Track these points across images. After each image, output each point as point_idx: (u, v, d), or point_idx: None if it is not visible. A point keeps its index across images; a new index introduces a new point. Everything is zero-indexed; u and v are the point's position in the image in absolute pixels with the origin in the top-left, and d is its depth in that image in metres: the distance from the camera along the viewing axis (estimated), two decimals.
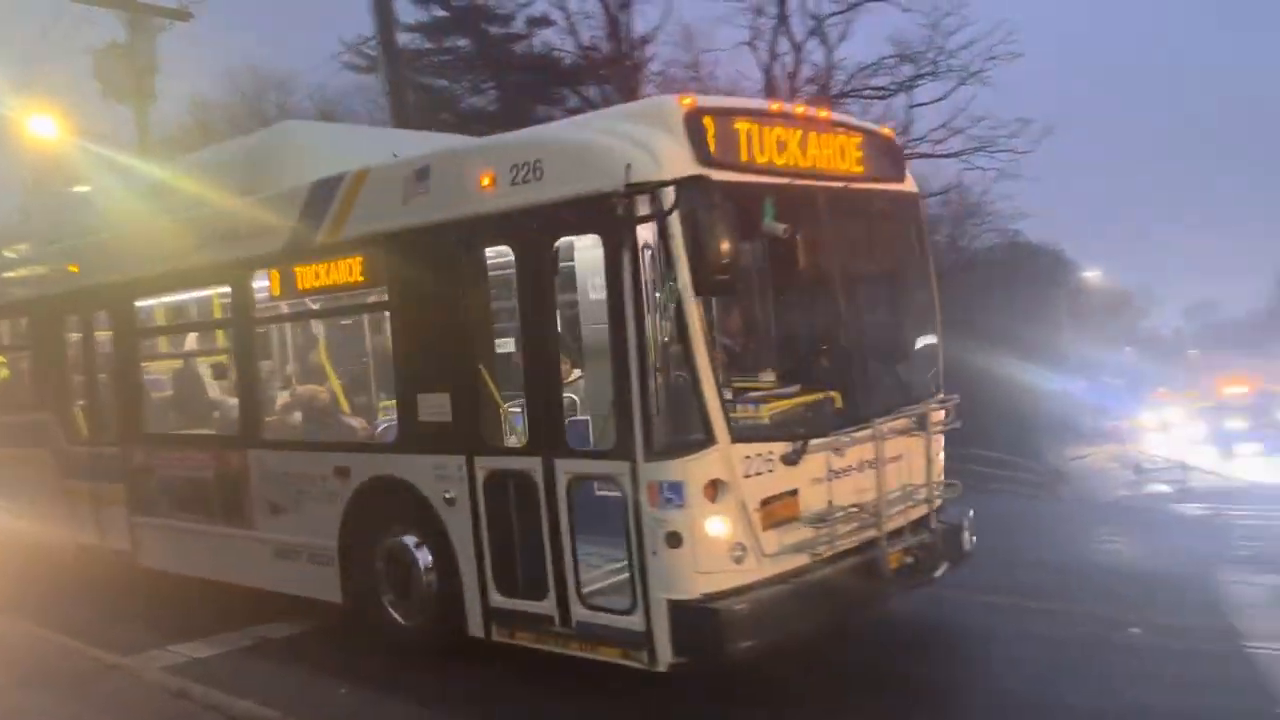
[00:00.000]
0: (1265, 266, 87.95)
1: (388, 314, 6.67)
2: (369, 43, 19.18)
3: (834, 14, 24.04)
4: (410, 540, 6.40)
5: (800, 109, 6.18)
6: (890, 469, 5.76)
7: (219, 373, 8.70)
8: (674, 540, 5.10)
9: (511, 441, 5.92)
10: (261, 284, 7.35)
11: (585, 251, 6.25)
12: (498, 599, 5.91)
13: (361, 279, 6.67)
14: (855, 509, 5.59)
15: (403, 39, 19.93)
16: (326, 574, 6.83)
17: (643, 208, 5.08)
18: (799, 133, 5.78)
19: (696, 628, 5.13)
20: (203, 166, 8.56)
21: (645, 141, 5.22)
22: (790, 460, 5.34)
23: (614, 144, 5.32)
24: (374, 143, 7.89)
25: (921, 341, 6.83)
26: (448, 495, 6.07)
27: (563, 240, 5.71)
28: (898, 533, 5.84)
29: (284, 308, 7.66)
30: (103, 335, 8.97)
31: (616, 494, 5.33)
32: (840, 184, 6.00)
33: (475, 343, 5.95)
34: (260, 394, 7.67)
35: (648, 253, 5.11)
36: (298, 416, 7.76)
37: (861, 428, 5.61)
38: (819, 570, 5.43)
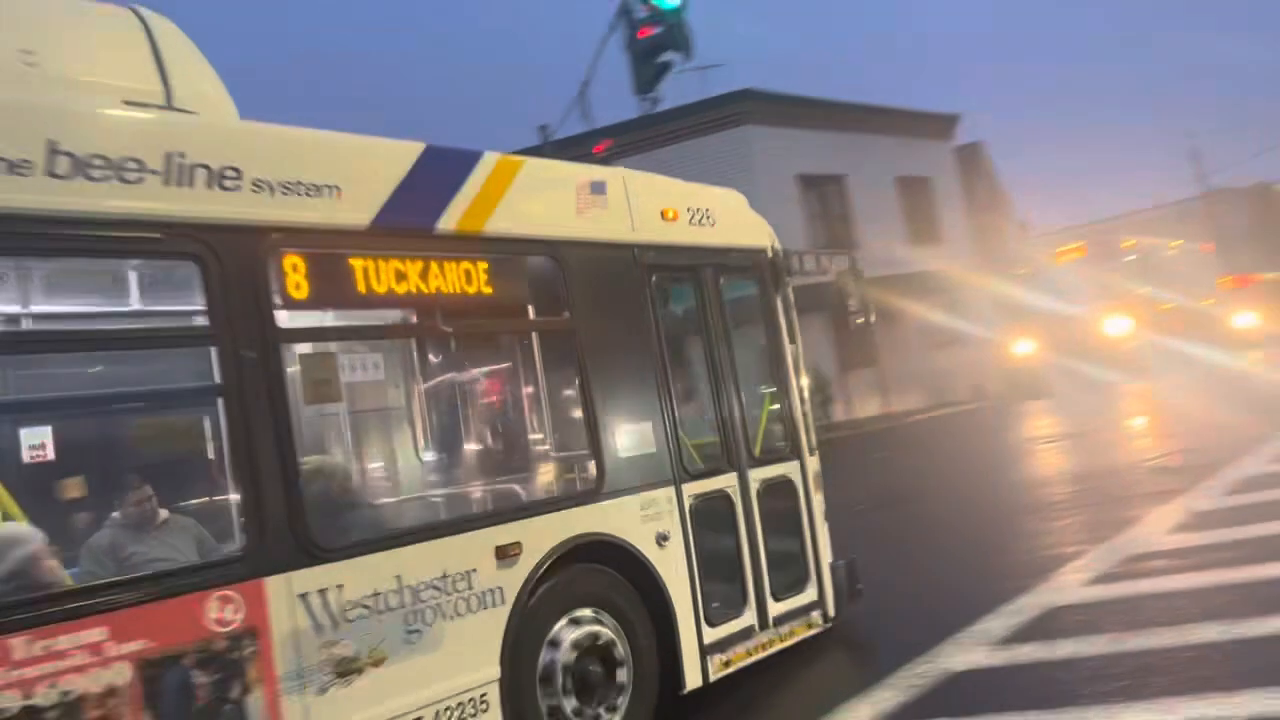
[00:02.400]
0: None
1: (573, 333, 5.21)
2: None
3: None
4: (593, 616, 4.97)
5: None
6: None
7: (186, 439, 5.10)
8: (826, 515, 6.45)
9: (702, 465, 5.78)
10: (293, 276, 4.20)
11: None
12: (708, 633, 5.44)
13: (516, 287, 5.24)
14: None
15: None
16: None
17: (777, 265, 6.61)
18: None
19: (843, 581, 6.36)
20: None
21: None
22: None
23: (756, 215, 6.73)
24: None
25: None
26: (662, 535, 5.33)
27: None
28: None
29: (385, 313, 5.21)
30: None
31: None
32: None
33: (663, 366, 5.63)
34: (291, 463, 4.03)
35: (781, 298, 6.57)
36: (423, 484, 5.74)
37: None
38: None
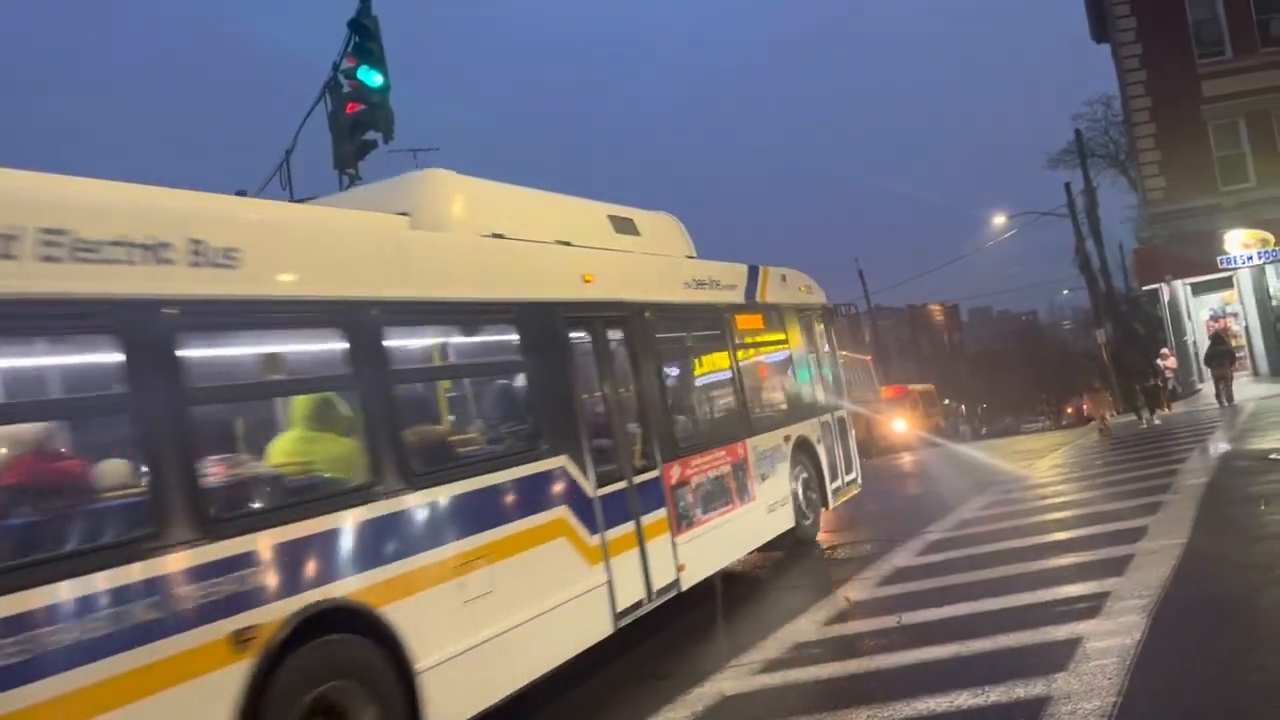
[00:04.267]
0: None
1: (790, 347, 12.07)
2: None
3: None
4: (804, 469, 11.52)
5: None
6: None
7: (728, 383, 10.51)
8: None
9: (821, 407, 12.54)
10: (733, 322, 10.63)
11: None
12: (830, 485, 12.18)
13: (773, 327, 11.76)
14: None
15: None
16: (785, 512, 10.81)
17: (830, 312, 14.12)
18: None
19: (859, 474, 13.69)
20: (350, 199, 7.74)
21: None
22: None
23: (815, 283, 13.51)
24: (534, 203, 8.24)
25: None
26: (818, 438, 12.14)
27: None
28: None
29: (746, 339, 11.07)
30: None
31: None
32: None
33: (810, 362, 12.61)
34: (752, 397, 10.90)
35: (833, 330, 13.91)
36: (765, 408, 11.37)
37: None
38: None
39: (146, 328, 4.40)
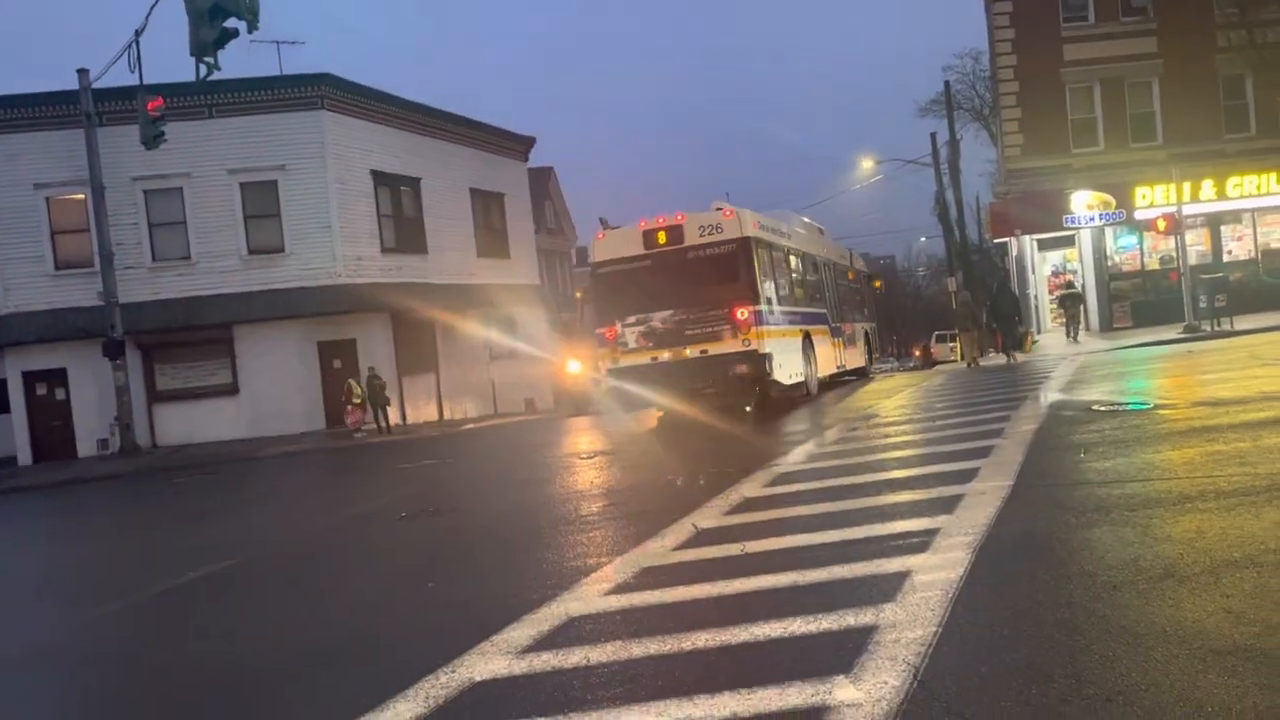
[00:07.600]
0: None
1: (858, 285, 31.38)
2: None
3: None
4: (867, 344, 31.03)
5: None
6: None
7: (848, 301, 28.56)
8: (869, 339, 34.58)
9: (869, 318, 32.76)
10: (846, 270, 29.74)
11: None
12: (872, 355, 32.19)
13: (857, 279, 31.25)
14: None
15: None
16: (863, 360, 29.94)
17: (867, 270, 35.37)
18: None
19: (878, 354, 36.70)
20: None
21: None
22: None
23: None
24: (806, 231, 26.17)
25: None
26: (870, 332, 31.67)
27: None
28: None
29: (850, 283, 29.77)
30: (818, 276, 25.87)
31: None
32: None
33: (867, 298, 33.31)
34: (855, 308, 30.21)
35: (866, 280, 34.47)
36: (858, 313, 30.33)
37: None
38: None
39: (785, 252, 22.00)
